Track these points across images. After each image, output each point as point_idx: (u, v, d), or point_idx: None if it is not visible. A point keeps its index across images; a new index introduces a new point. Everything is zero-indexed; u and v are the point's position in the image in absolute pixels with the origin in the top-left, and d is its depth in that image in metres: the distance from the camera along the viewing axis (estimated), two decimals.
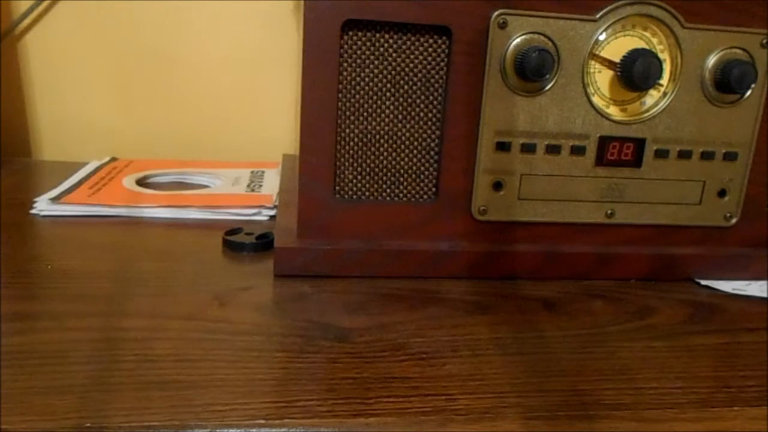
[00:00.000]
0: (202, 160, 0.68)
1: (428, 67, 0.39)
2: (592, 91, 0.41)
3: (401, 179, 0.41)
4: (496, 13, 0.38)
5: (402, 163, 0.41)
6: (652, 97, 0.41)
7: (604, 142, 0.41)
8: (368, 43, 0.39)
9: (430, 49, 0.39)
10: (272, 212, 0.52)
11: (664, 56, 0.40)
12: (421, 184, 0.41)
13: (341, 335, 0.33)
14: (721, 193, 0.44)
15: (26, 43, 0.70)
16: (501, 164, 0.41)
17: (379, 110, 0.40)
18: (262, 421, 0.26)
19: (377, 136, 0.40)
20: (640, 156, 0.42)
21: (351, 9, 0.37)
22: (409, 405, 0.27)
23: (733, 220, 0.44)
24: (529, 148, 0.41)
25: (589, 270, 0.43)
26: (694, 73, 0.41)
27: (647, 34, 0.40)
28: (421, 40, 0.39)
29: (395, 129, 0.40)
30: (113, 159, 0.67)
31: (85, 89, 0.71)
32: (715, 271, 0.44)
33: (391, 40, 0.39)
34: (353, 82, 0.39)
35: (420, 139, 0.41)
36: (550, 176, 0.42)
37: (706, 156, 0.43)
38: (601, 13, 0.39)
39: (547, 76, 0.39)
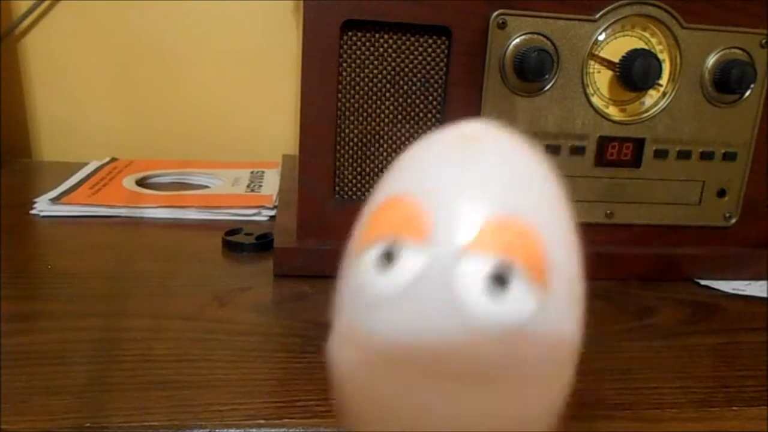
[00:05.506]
0: (202, 160, 0.68)
1: (428, 67, 0.39)
2: (592, 92, 0.41)
3: None
4: (495, 14, 0.38)
5: None
6: (651, 97, 0.41)
7: (603, 142, 0.41)
8: (368, 44, 0.39)
9: (429, 49, 0.39)
10: (272, 212, 0.52)
11: (663, 56, 0.40)
12: None
13: None
14: (721, 193, 0.44)
15: (26, 43, 0.70)
16: None
17: (379, 110, 0.40)
18: (262, 421, 0.26)
19: (377, 136, 0.40)
20: (640, 156, 0.42)
21: (351, 9, 0.37)
22: None
23: (733, 220, 0.44)
24: None
25: (589, 270, 0.43)
26: (694, 73, 0.41)
27: (646, 34, 0.40)
28: (421, 40, 0.39)
29: (395, 129, 0.40)
30: (113, 159, 0.67)
31: (85, 89, 0.71)
32: (714, 271, 0.44)
33: (390, 41, 0.39)
34: (353, 82, 0.39)
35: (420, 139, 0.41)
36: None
37: (706, 156, 0.43)
38: (600, 14, 0.39)
39: (547, 76, 0.39)
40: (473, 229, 0.13)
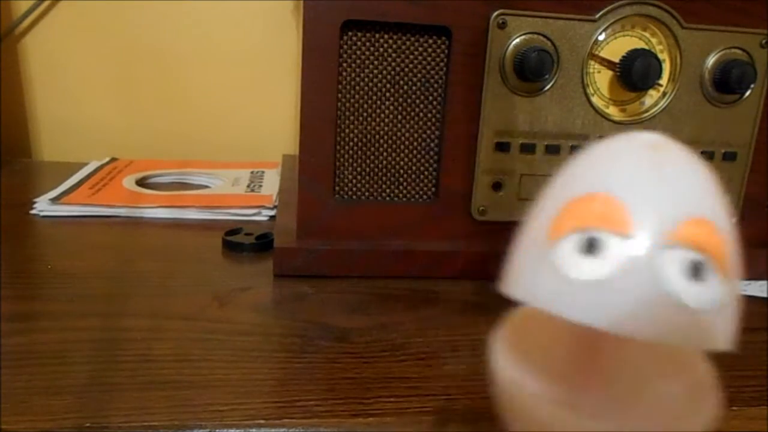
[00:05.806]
0: (202, 160, 0.68)
1: (428, 67, 0.39)
2: (592, 92, 0.41)
3: (401, 179, 0.41)
4: (495, 14, 0.38)
5: (402, 163, 0.41)
6: (651, 97, 0.41)
7: None
8: (368, 44, 0.39)
9: (429, 50, 0.39)
10: (272, 212, 0.52)
11: (663, 56, 0.40)
12: (421, 185, 0.41)
13: (341, 335, 0.33)
14: None
15: (26, 43, 0.70)
16: (501, 164, 0.41)
17: (378, 110, 0.40)
18: (262, 421, 0.26)
19: (377, 136, 0.40)
20: None
21: (350, 9, 0.37)
22: (408, 405, 0.28)
23: (733, 220, 0.44)
24: (528, 149, 0.41)
25: None
26: (694, 73, 0.41)
27: (646, 34, 0.40)
28: (421, 40, 0.39)
29: (395, 129, 0.40)
30: (113, 159, 0.67)
31: (85, 89, 0.71)
32: None
33: (390, 41, 0.39)
34: (353, 83, 0.39)
35: (420, 140, 0.41)
36: (550, 176, 0.42)
37: (706, 156, 0.43)
38: (600, 14, 0.39)
39: (547, 76, 0.39)
40: (672, 225, 0.15)
